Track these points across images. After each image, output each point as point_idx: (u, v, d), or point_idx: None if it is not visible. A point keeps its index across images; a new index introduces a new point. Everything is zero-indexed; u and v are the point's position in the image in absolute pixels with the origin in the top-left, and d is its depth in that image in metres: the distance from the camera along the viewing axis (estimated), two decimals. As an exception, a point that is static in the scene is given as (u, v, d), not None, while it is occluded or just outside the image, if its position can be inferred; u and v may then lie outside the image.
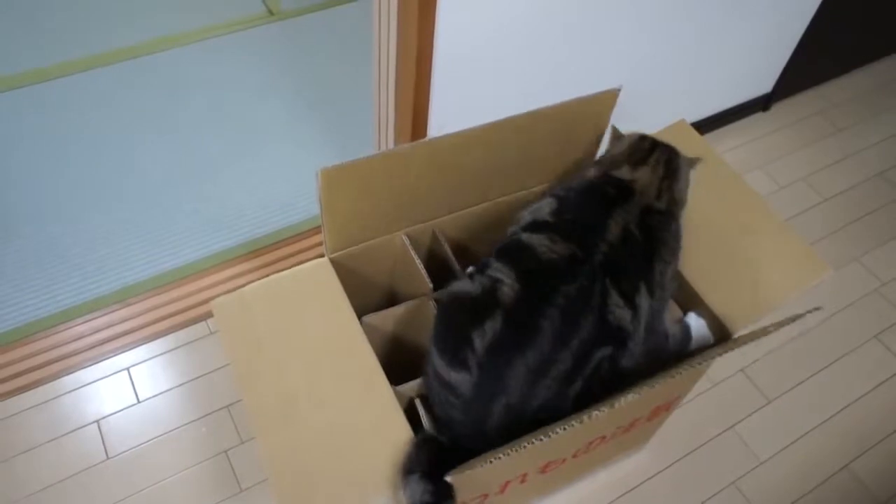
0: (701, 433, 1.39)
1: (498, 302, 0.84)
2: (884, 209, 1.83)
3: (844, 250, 1.73)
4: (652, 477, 1.32)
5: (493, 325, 0.83)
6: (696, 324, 1.01)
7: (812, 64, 1.98)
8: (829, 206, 1.82)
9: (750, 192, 1.11)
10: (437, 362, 0.87)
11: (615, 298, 0.85)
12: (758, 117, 2.03)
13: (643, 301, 0.88)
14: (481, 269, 0.90)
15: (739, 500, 1.31)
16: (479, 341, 0.83)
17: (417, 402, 0.91)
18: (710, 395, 1.44)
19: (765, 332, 0.86)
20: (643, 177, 0.96)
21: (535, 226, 0.92)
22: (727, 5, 1.55)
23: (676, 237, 0.96)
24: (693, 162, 1.02)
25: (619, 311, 0.85)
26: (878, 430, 1.42)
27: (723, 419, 1.41)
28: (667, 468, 1.34)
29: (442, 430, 0.89)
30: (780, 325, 0.86)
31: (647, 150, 0.99)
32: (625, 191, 0.95)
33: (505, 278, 0.85)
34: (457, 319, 0.87)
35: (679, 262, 0.97)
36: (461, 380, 0.84)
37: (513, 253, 0.89)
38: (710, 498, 1.31)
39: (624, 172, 0.97)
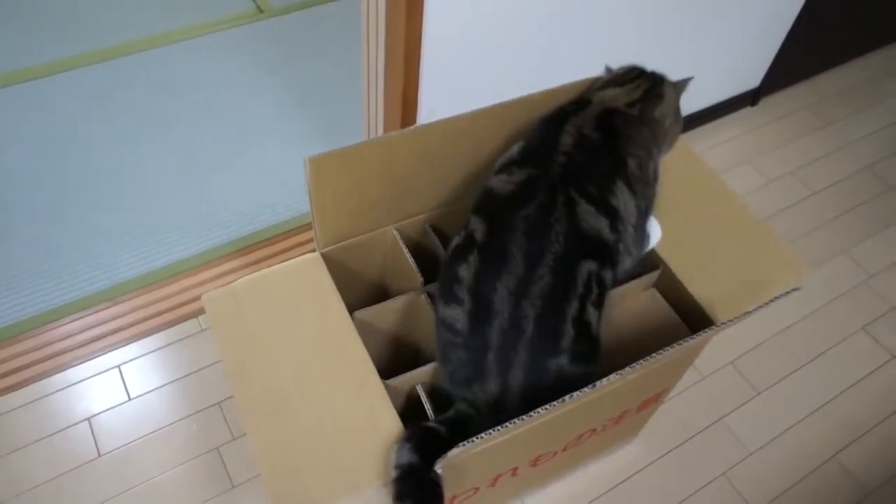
0: (691, 425, 1.40)
1: (474, 242, 0.88)
2: (872, 202, 1.85)
3: (833, 243, 1.74)
4: (642, 469, 1.33)
5: (474, 259, 0.87)
6: (655, 230, 1.03)
7: (800, 58, 1.99)
8: (818, 200, 1.84)
9: (728, 192, 1.11)
10: (439, 308, 0.90)
11: (584, 207, 0.86)
12: (746, 112, 2.05)
13: (622, 201, 0.88)
14: (464, 226, 0.93)
15: (729, 491, 1.32)
16: (466, 273, 0.86)
17: (419, 388, 0.91)
18: (699, 387, 1.45)
19: (746, 314, 0.87)
20: (610, 93, 0.96)
21: (500, 168, 0.94)
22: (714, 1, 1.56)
23: (650, 138, 0.95)
24: (681, 85, 1.01)
25: (593, 221, 0.86)
26: (865, 421, 1.44)
27: (712, 411, 1.42)
28: (657, 460, 1.35)
29: (454, 385, 0.89)
30: (760, 307, 0.87)
31: (630, 77, 1.00)
32: (583, 103, 0.95)
33: (477, 227, 0.89)
34: (449, 267, 0.90)
35: (659, 159, 0.97)
36: (457, 314, 0.86)
37: (480, 202, 0.92)
38: (700, 489, 1.32)
39: (592, 94, 0.98)
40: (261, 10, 2.18)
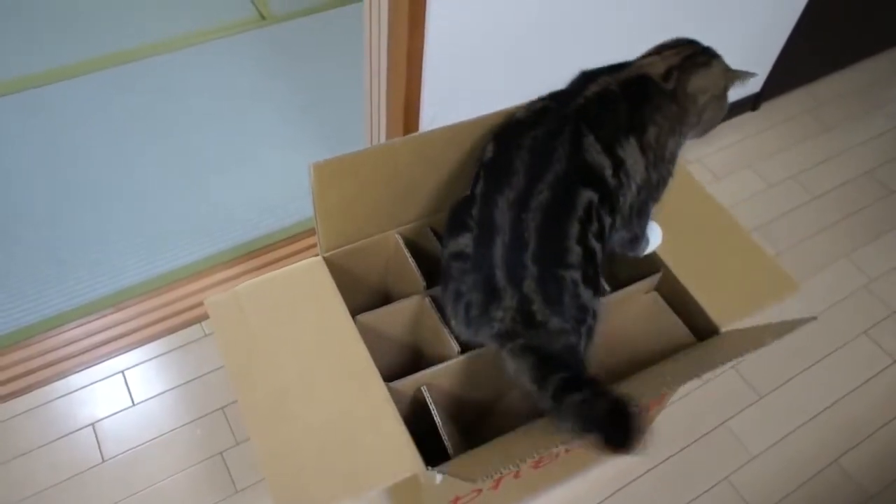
0: (693, 429, 1.40)
1: (482, 163, 0.91)
2: (872, 206, 1.85)
3: (834, 247, 1.75)
4: (645, 473, 1.33)
5: (480, 184, 0.90)
6: (654, 234, 1.04)
7: (801, 63, 2.00)
8: (819, 204, 1.84)
9: (721, 207, 1.12)
10: (447, 243, 0.92)
11: (591, 140, 0.87)
12: (747, 117, 2.05)
13: (630, 156, 0.88)
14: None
15: (732, 495, 1.32)
16: (475, 203, 0.89)
17: (424, 390, 0.92)
18: (701, 391, 1.46)
19: (761, 343, 0.87)
20: (648, 60, 0.95)
21: (528, 103, 0.96)
22: (715, 5, 1.57)
23: (677, 115, 0.93)
24: (736, 74, 0.97)
25: (597, 156, 0.86)
26: (867, 425, 1.44)
27: (715, 415, 1.42)
28: (660, 464, 1.35)
29: (472, 325, 0.88)
30: (777, 333, 0.87)
31: (673, 45, 0.97)
32: (622, 66, 0.95)
33: (489, 149, 0.92)
34: (460, 201, 0.93)
35: (682, 140, 0.95)
36: (466, 241, 0.88)
37: (498, 127, 0.95)
38: (703, 493, 1.32)
39: (635, 62, 0.97)
40: (263, 17, 2.20)
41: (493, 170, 0.90)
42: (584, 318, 0.87)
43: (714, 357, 0.91)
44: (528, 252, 0.84)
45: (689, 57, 0.95)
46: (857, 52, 2.22)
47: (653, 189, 0.94)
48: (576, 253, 0.85)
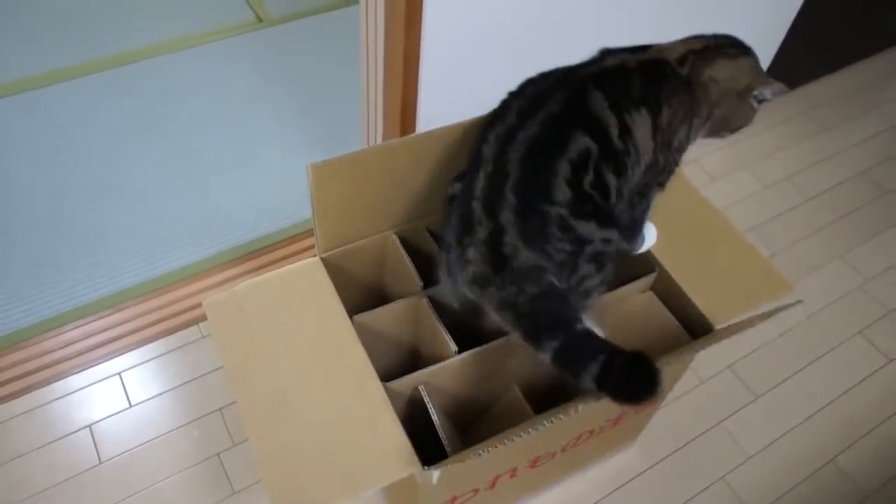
0: (690, 430, 1.41)
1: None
2: (867, 207, 1.86)
3: (829, 248, 1.76)
4: (642, 473, 1.34)
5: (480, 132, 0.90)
6: (650, 233, 1.03)
7: (797, 64, 2.01)
8: (814, 205, 1.85)
9: (713, 209, 1.12)
10: (447, 191, 0.95)
11: (598, 96, 0.84)
12: (743, 118, 2.06)
13: (640, 127, 0.85)
14: None
15: (728, 495, 1.33)
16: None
17: (421, 389, 0.92)
18: (697, 391, 1.46)
19: (750, 323, 0.88)
20: (669, 45, 0.92)
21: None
22: (714, 5, 1.58)
23: (688, 104, 0.89)
24: (764, 80, 0.90)
25: (602, 111, 0.84)
26: (862, 424, 1.44)
27: (711, 415, 1.43)
28: (657, 464, 1.35)
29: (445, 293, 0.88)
30: (763, 317, 0.88)
31: (709, 36, 0.94)
32: (643, 48, 0.92)
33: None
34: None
35: (693, 134, 0.92)
36: (459, 185, 0.90)
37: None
38: (699, 493, 1.33)
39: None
40: (260, 20, 2.20)
41: (492, 115, 0.89)
42: (581, 248, 0.83)
43: (702, 343, 0.91)
44: (508, 183, 0.82)
45: (715, 47, 0.92)
46: (853, 53, 2.23)
47: (658, 172, 0.92)
48: (563, 192, 0.81)
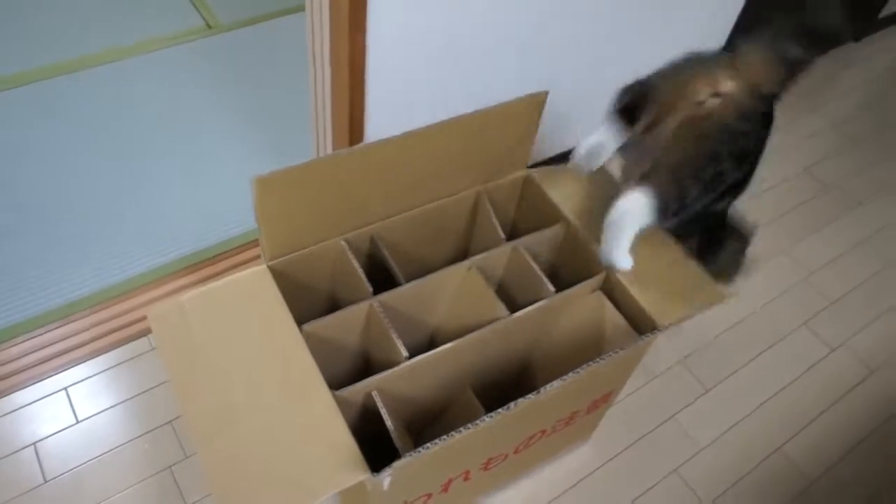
0: (642, 424, 1.43)
1: None
2: (810, 202, 1.92)
3: (774, 242, 1.81)
4: (596, 470, 1.36)
5: None
6: (627, 262, 1.04)
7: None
8: (758, 202, 1.90)
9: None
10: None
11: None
12: (690, 118, 2.10)
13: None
14: None
15: (681, 487, 1.35)
16: None
17: (375, 395, 0.92)
18: (650, 387, 1.49)
19: (687, 316, 0.90)
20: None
21: None
22: (655, 7, 1.61)
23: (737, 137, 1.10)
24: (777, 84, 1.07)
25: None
26: (807, 413, 1.49)
27: (663, 409, 1.46)
28: (610, 460, 1.37)
29: None
30: (700, 308, 0.90)
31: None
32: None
33: None
34: None
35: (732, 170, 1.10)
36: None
37: None
38: (653, 486, 1.35)
39: None
40: (209, 26, 2.17)
41: None
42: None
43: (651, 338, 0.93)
44: None
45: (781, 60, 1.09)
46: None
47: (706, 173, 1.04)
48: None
